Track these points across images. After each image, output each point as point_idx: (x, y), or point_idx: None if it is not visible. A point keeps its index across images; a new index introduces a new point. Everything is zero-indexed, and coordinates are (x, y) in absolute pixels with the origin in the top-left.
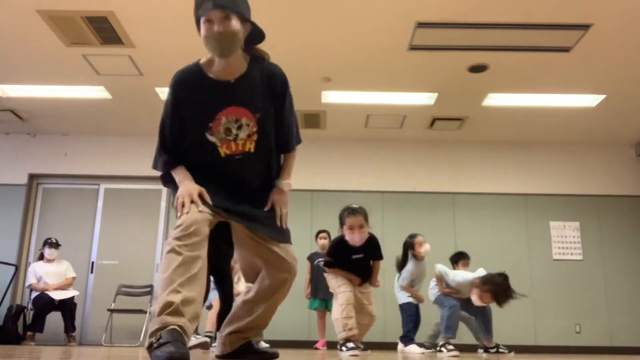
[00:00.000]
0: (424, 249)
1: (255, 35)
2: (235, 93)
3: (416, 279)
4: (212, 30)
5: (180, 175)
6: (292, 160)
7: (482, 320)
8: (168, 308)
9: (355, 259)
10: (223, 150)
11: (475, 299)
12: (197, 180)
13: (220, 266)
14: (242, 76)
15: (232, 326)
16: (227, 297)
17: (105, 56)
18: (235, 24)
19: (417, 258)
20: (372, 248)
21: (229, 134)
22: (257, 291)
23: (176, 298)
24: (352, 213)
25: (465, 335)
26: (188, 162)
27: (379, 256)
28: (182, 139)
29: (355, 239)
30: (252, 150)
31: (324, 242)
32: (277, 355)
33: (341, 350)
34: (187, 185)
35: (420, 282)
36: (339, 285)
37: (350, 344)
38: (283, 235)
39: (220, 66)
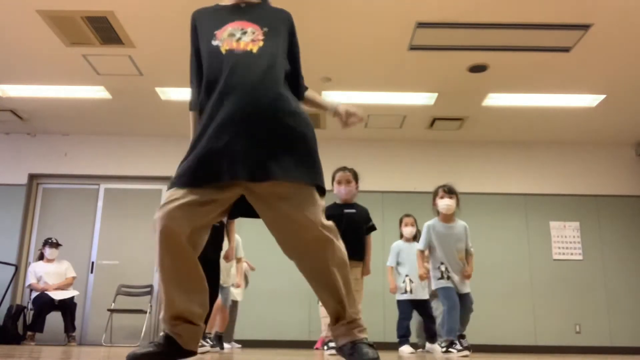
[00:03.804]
0: (406, 229)
1: None
2: (244, 12)
3: (405, 261)
4: None
5: (192, 125)
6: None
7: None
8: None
9: (347, 214)
10: (224, 47)
11: (444, 208)
12: (204, 127)
13: (204, 255)
14: (251, 3)
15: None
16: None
17: (105, 56)
18: None
19: (402, 237)
20: (363, 211)
21: (231, 37)
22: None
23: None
24: (341, 169)
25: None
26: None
27: (371, 227)
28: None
29: (341, 191)
30: (254, 50)
31: None
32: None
33: (327, 349)
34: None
35: (412, 269)
36: None
37: (333, 344)
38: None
39: None
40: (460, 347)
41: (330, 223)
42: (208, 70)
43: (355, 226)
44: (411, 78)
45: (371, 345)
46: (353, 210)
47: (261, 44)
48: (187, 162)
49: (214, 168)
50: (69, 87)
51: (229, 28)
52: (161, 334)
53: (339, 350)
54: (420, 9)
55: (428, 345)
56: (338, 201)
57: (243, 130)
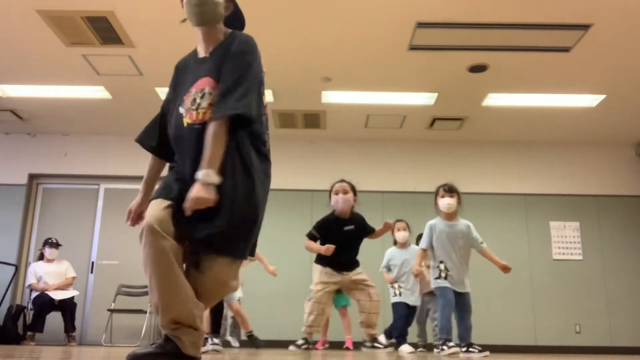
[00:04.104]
0: (399, 234)
1: (237, 20)
2: (207, 65)
3: (396, 266)
4: None
5: (147, 169)
6: (211, 135)
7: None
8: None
9: (347, 231)
10: (186, 120)
11: (445, 207)
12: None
13: None
14: (216, 47)
15: None
16: None
17: (105, 56)
18: None
19: (395, 243)
20: (360, 222)
21: (193, 104)
22: None
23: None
24: (339, 181)
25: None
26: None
27: (370, 231)
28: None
29: (338, 200)
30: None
31: None
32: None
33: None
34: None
35: (399, 276)
36: (315, 283)
37: (301, 341)
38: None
39: (200, 40)
40: (452, 345)
41: None
42: (173, 132)
43: (353, 241)
44: (411, 78)
45: None
46: (352, 227)
47: None
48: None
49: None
50: (69, 87)
51: (193, 91)
52: (163, 335)
53: None
54: (420, 9)
55: (381, 337)
56: (336, 213)
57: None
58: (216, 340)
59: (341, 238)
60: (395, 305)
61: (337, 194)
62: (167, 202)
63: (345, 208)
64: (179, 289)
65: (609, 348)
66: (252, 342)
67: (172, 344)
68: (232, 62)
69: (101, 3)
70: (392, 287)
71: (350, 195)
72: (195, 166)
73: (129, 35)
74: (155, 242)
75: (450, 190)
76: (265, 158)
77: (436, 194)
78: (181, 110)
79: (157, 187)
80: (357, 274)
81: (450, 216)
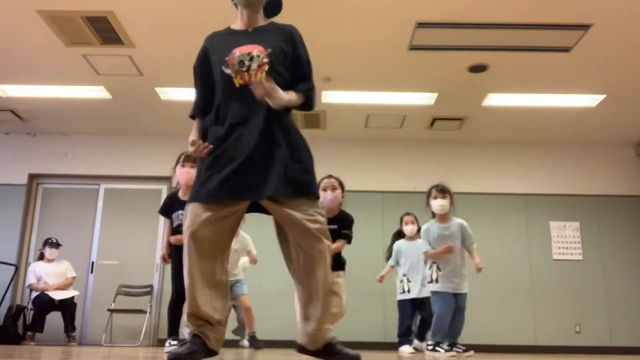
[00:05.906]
0: (407, 227)
1: (274, 7)
2: (251, 37)
3: (404, 261)
4: None
5: (194, 129)
6: (293, 95)
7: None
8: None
9: (329, 230)
10: (237, 81)
11: (438, 208)
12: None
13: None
14: (258, 27)
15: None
16: (179, 288)
17: (105, 56)
18: None
19: (405, 236)
20: (345, 223)
21: (242, 66)
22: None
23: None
24: (327, 177)
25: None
26: (214, 114)
27: (345, 235)
28: (208, 91)
29: (326, 197)
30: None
31: None
32: (358, 357)
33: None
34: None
35: (411, 269)
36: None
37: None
38: (299, 188)
39: (242, 20)
40: (447, 348)
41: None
42: (221, 97)
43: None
44: (411, 78)
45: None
46: (335, 227)
47: (267, 68)
48: (208, 184)
49: (235, 194)
50: (69, 87)
51: (237, 53)
52: (186, 330)
53: (315, 352)
54: (420, 9)
55: (416, 342)
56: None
57: (254, 159)
58: (174, 342)
59: None
60: (402, 304)
61: (325, 190)
62: (202, 205)
63: (333, 206)
64: (207, 293)
65: (608, 348)
66: (253, 343)
67: (200, 340)
68: (303, 48)
69: (101, 3)
70: (401, 282)
71: (338, 192)
72: (249, 123)
73: (129, 35)
74: (194, 254)
75: (443, 191)
76: None
77: (428, 194)
78: (227, 71)
79: (194, 184)
80: (336, 277)
81: (444, 217)
